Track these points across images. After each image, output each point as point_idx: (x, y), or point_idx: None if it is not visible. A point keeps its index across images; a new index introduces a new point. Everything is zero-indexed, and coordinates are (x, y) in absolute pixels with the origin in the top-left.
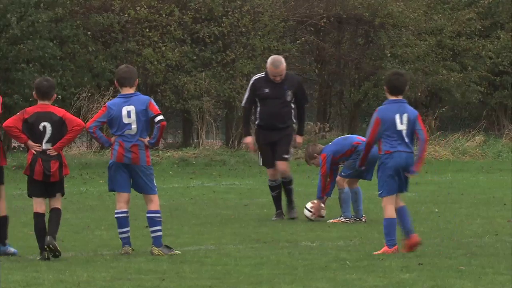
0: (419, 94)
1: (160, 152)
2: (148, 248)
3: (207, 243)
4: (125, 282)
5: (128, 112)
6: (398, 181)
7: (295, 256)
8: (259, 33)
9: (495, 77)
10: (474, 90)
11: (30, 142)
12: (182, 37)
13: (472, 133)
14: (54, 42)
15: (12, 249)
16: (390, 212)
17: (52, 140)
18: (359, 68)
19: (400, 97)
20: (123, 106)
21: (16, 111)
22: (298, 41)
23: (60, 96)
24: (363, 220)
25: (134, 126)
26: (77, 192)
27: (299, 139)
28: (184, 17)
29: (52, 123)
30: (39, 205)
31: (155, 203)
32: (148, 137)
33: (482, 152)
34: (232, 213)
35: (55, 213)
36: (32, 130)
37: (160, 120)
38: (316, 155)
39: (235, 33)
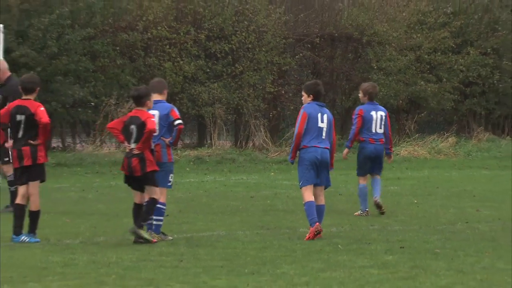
0: (401, 101)
1: (179, 151)
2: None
3: (218, 230)
4: (149, 263)
5: (153, 116)
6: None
7: (294, 241)
8: (263, 49)
9: (466, 88)
10: (447, 98)
11: (125, 142)
12: (197, 53)
13: (446, 135)
14: (87, 57)
15: (27, 238)
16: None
17: (137, 140)
18: (349, 79)
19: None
20: (149, 110)
21: (55, 116)
22: (297, 56)
23: (92, 103)
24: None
25: (156, 128)
26: (107, 186)
27: None
28: (199, 35)
29: (137, 125)
30: (135, 196)
31: (164, 196)
32: (169, 137)
33: (455, 152)
34: (240, 204)
35: (149, 201)
36: (126, 132)
37: (179, 124)
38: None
39: (242, 49)
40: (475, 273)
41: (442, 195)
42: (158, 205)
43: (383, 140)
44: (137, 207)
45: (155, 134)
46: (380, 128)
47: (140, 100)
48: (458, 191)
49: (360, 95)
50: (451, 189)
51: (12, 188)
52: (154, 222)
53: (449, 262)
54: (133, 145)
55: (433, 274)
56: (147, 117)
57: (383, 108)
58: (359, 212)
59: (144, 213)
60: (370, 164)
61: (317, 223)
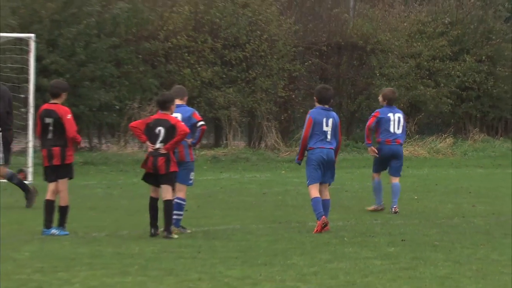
0: (402, 105)
1: (196, 151)
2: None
3: (233, 223)
4: (169, 254)
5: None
6: (321, 171)
7: (303, 234)
8: (275, 56)
9: (462, 92)
10: (445, 102)
11: (147, 142)
12: (213, 60)
13: (444, 136)
14: (112, 64)
15: (56, 231)
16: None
17: (164, 141)
18: (354, 84)
19: (327, 106)
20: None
21: (82, 118)
22: (306, 63)
23: (117, 107)
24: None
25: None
26: (131, 183)
27: None
28: (215, 44)
29: (166, 127)
30: (153, 191)
31: (184, 192)
32: (191, 138)
33: (452, 151)
34: (253, 200)
35: (167, 205)
36: (150, 133)
37: (202, 125)
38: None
39: (256, 57)
40: (471, 264)
41: (440, 192)
42: (178, 201)
43: (400, 140)
44: (154, 201)
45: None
46: (398, 128)
47: (165, 104)
48: (455, 188)
49: (380, 99)
50: (448, 186)
51: (15, 181)
52: (175, 216)
53: (447, 253)
54: (159, 145)
55: (432, 265)
56: (177, 121)
57: (400, 110)
58: (373, 206)
59: (166, 217)
60: (387, 163)
61: (323, 216)
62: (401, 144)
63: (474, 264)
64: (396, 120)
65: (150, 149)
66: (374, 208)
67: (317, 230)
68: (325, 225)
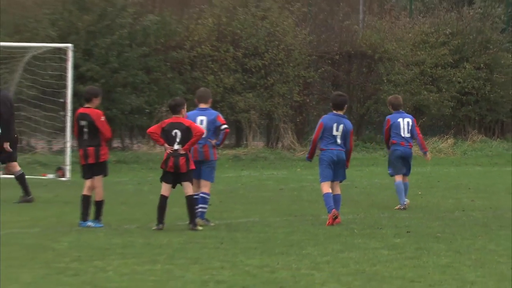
0: (407, 109)
1: (219, 150)
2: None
3: (253, 217)
4: (194, 244)
5: (201, 121)
6: (332, 170)
7: (317, 226)
8: (291, 64)
9: (462, 97)
10: (447, 106)
11: (165, 145)
12: (235, 67)
13: (445, 137)
14: (143, 71)
15: (92, 224)
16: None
17: (182, 143)
18: (363, 90)
19: (340, 112)
20: (198, 116)
21: (115, 121)
22: (319, 70)
23: (147, 110)
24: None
25: (205, 131)
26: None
27: None
28: (236, 53)
29: (181, 130)
30: (166, 189)
31: (208, 187)
32: (215, 139)
33: (453, 151)
34: (271, 195)
35: (190, 201)
36: (167, 135)
37: (225, 128)
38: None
39: (273, 65)
40: (470, 253)
41: (442, 188)
42: (203, 195)
43: (412, 144)
44: (165, 200)
45: (203, 136)
46: (408, 133)
47: (177, 108)
48: (456, 184)
49: (389, 107)
50: (449, 182)
51: (20, 181)
52: (200, 209)
53: (448, 244)
54: (177, 147)
55: (434, 254)
56: (190, 123)
57: (409, 115)
58: (398, 206)
59: (191, 211)
60: (401, 163)
61: (334, 209)
62: (411, 148)
63: (473, 254)
64: (405, 124)
65: (169, 151)
66: (399, 207)
67: (329, 223)
68: (335, 217)
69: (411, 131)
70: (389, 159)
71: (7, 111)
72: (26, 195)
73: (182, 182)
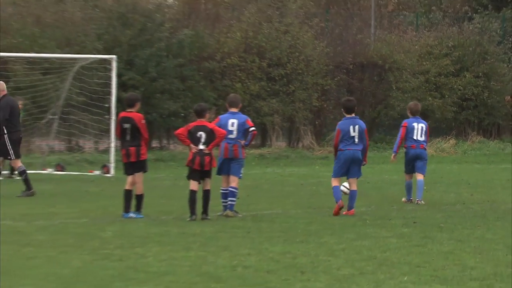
0: None
1: (246, 150)
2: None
3: (276, 209)
4: (224, 233)
5: (232, 123)
6: (348, 168)
7: (333, 217)
8: (310, 73)
9: (463, 102)
10: (449, 110)
11: (191, 145)
12: (260, 76)
13: (448, 138)
14: (178, 79)
15: (133, 215)
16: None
17: (206, 143)
18: (374, 96)
19: (353, 115)
20: (230, 119)
21: (154, 124)
22: (335, 79)
23: (182, 114)
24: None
25: (235, 132)
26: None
27: None
28: (262, 63)
29: (206, 132)
30: (194, 185)
31: (236, 182)
32: (244, 140)
33: (454, 150)
34: (292, 189)
35: (206, 194)
36: (192, 137)
37: (253, 130)
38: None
39: (294, 73)
40: (470, 242)
41: (445, 183)
42: (232, 189)
43: (423, 145)
44: (195, 194)
45: (233, 136)
46: (421, 136)
47: (202, 113)
48: (457, 180)
49: (408, 112)
50: (451, 178)
51: (23, 177)
52: (229, 202)
53: (450, 233)
54: (202, 147)
55: (438, 242)
56: (213, 126)
57: (424, 121)
58: (404, 199)
59: (206, 203)
60: (413, 164)
61: (340, 201)
62: (424, 148)
63: (472, 242)
64: (419, 129)
65: (194, 150)
66: (405, 200)
67: (335, 211)
68: (341, 207)
69: (424, 136)
70: (404, 160)
71: (5, 115)
72: (28, 190)
73: (204, 178)
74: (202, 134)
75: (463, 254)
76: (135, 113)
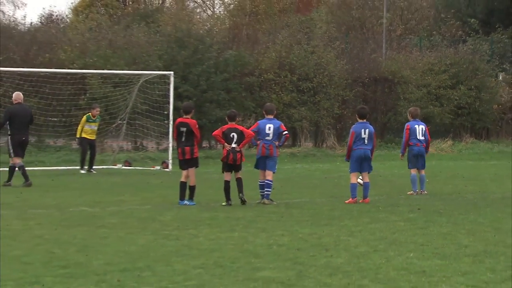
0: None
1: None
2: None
3: (305, 198)
4: (262, 218)
5: (269, 127)
6: (360, 164)
7: (352, 205)
8: (333, 86)
9: (458, 110)
10: (447, 117)
11: (225, 144)
12: (291, 88)
13: (445, 139)
14: (224, 91)
15: (187, 202)
16: (352, 180)
17: (237, 142)
18: (385, 105)
19: (364, 120)
20: (267, 124)
21: (204, 128)
22: (353, 91)
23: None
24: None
25: (271, 135)
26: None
27: None
28: (292, 78)
29: (237, 133)
30: (228, 176)
31: (271, 176)
32: (278, 141)
33: (451, 150)
34: (318, 182)
35: (239, 180)
36: (226, 137)
37: (286, 133)
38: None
39: (320, 86)
40: (464, 224)
41: (443, 177)
42: (268, 181)
43: (424, 144)
44: (228, 184)
45: (269, 138)
46: (422, 136)
47: (234, 117)
48: (453, 174)
49: (408, 116)
50: (449, 173)
51: (21, 171)
52: (266, 192)
53: (448, 217)
54: (234, 145)
55: (438, 225)
56: (243, 128)
57: (423, 123)
58: (411, 192)
59: (240, 187)
60: (417, 160)
61: (356, 198)
62: (425, 147)
63: (466, 225)
64: (420, 130)
65: (227, 148)
66: (411, 193)
67: (348, 202)
68: (355, 202)
69: (424, 135)
70: (408, 156)
71: (5, 121)
72: (26, 181)
73: (236, 171)
74: (234, 135)
75: (458, 235)
76: (190, 119)
